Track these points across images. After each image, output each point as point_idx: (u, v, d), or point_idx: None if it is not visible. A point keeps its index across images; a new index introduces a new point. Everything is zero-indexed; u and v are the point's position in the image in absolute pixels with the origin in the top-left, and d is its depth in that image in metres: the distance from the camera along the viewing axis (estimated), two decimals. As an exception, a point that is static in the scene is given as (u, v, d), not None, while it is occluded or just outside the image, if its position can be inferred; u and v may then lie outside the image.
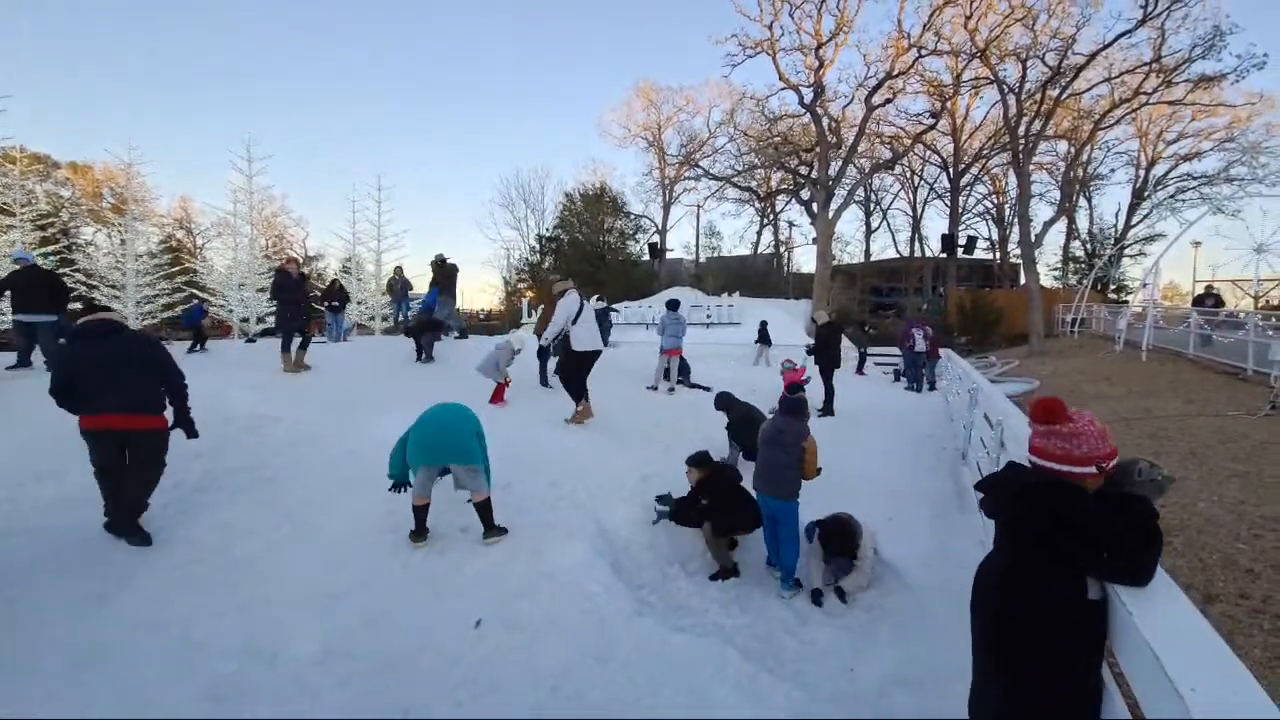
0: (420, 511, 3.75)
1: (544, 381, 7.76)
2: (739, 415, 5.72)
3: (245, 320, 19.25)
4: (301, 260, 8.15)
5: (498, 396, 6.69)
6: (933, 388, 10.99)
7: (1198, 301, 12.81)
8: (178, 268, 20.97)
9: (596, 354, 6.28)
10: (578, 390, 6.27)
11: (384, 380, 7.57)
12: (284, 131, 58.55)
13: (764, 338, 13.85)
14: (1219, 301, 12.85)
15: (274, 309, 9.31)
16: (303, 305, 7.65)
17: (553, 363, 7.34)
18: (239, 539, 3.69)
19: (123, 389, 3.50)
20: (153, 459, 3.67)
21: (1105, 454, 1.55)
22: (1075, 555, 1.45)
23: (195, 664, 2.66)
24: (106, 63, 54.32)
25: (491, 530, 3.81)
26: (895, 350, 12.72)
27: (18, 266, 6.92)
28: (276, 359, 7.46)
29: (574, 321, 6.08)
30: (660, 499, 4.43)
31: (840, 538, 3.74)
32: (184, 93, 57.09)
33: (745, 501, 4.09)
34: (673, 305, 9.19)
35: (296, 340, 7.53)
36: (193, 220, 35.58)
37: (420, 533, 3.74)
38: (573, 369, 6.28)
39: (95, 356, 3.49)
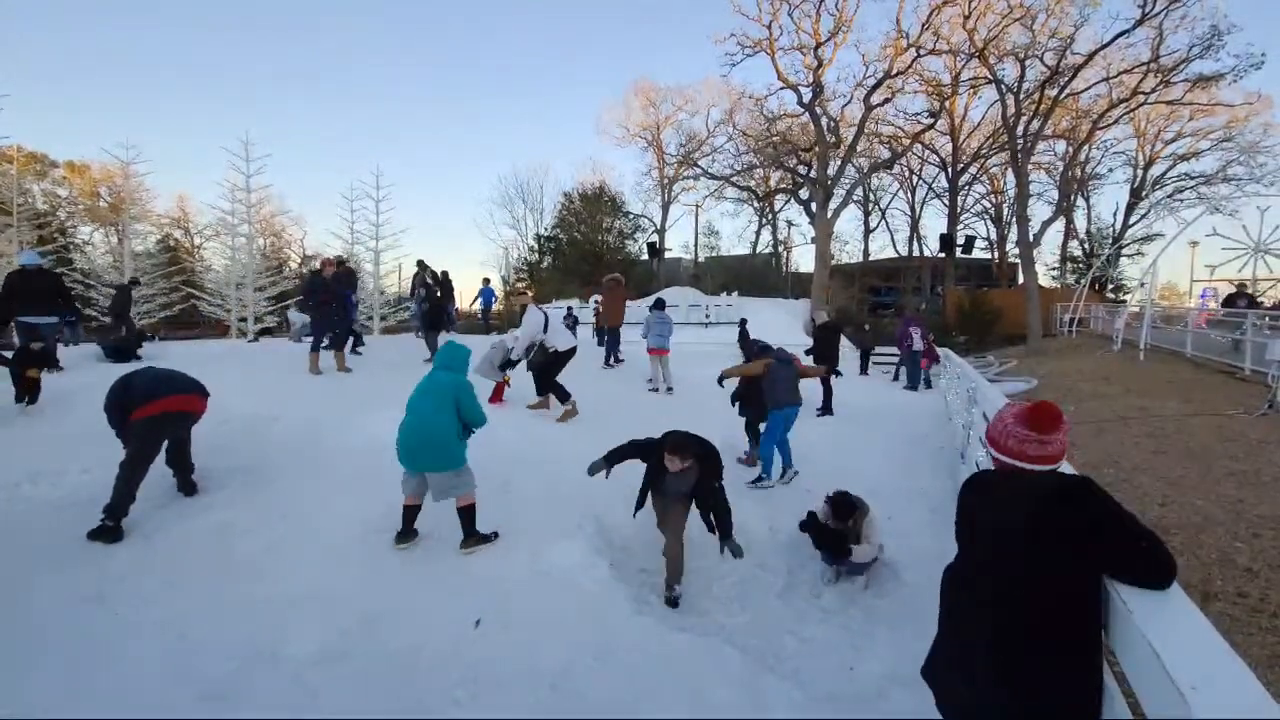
0: (409, 513, 3.70)
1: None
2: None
3: (244, 320, 19.20)
4: (335, 261, 8.31)
5: (497, 396, 6.69)
6: (929, 385, 10.98)
7: (1228, 302, 12.04)
8: (175, 267, 20.95)
9: (574, 350, 6.74)
10: (560, 390, 6.48)
11: (384, 379, 7.55)
12: (284, 131, 58.41)
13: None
14: (1252, 302, 11.85)
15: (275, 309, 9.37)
16: (332, 306, 7.68)
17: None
18: (238, 539, 3.68)
19: None
20: None
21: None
22: (1088, 556, 1.43)
23: (194, 664, 2.65)
24: (106, 63, 54.18)
25: (471, 538, 3.61)
26: (894, 350, 12.56)
27: (19, 268, 6.98)
28: (275, 358, 7.46)
29: (544, 330, 6.43)
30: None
31: (843, 504, 3.80)
32: (184, 93, 57.03)
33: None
34: (658, 305, 9.12)
35: (320, 341, 7.58)
36: (190, 220, 35.50)
37: (406, 534, 3.67)
38: (554, 368, 6.55)
39: None
